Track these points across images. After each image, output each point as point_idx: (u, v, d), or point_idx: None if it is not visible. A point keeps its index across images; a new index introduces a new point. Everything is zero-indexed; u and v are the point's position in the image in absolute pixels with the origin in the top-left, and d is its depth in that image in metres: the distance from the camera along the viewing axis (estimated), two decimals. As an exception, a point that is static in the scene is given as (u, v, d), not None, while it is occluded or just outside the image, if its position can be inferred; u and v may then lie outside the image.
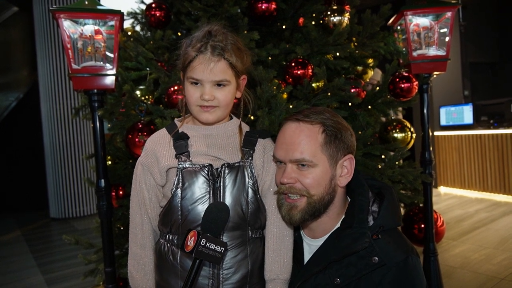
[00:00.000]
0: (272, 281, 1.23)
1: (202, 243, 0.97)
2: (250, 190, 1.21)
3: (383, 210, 1.16)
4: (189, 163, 1.18)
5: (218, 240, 0.99)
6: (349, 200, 1.25)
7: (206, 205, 1.14)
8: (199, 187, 1.17)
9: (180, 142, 1.21)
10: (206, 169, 1.18)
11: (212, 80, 1.15)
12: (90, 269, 2.20)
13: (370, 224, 1.14)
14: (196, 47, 1.14)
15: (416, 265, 1.11)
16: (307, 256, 1.27)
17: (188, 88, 1.18)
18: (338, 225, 1.21)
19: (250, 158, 1.23)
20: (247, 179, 1.21)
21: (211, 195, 1.17)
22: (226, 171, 1.19)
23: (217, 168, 1.19)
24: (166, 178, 1.22)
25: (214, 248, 0.98)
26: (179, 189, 1.17)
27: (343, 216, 1.22)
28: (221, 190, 1.18)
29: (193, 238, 0.98)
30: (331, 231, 1.22)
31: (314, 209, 1.15)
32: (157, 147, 1.23)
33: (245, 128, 1.31)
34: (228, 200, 1.18)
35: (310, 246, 1.27)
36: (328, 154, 1.14)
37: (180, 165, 1.18)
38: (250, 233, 1.23)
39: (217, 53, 1.13)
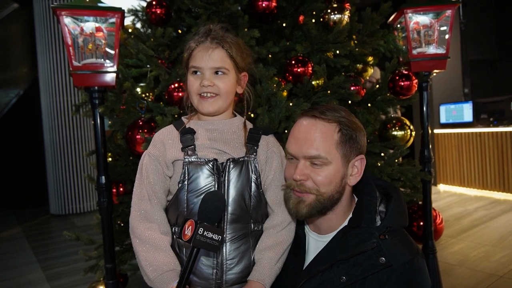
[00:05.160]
0: (260, 261, 1.23)
1: (200, 231, 0.98)
2: (253, 185, 1.25)
3: (390, 210, 1.16)
4: (195, 157, 1.21)
5: (215, 229, 1.01)
6: (356, 199, 1.26)
7: None
8: (204, 180, 1.20)
9: (187, 136, 1.24)
10: (211, 163, 1.21)
11: (211, 67, 1.20)
12: (91, 265, 2.21)
13: (378, 224, 1.15)
14: (197, 39, 1.22)
15: (422, 266, 1.12)
16: (312, 251, 1.28)
17: (190, 78, 1.23)
18: (345, 223, 1.22)
19: (254, 153, 1.26)
20: (251, 174, 1.24)
21: (215, 189, 1.20)
22: (231, 166, 1.22)
23: (222, 163, 1.22)
24: (172, 170, 1.24)
25: (212, 237, 0.99)
26: (185, 182, 1.20)
27: (350, 215, 1.22)
28: (226, 184, 1.21)
29: (190, 227, 1.00)
30: (338, 229, 1.22)
31: (322, 206, 1.16)
32: (165, 139, 1.26)
33: (249, 125, 1.34)
34: (232, 194, 1.21)
35: (317, 242, 1.27)
36: (342, 153, 1.14)
37: (186, 159, 1.21)
38: (252, 226, 1.26)
39: (215, 42, 1.20)
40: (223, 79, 1.21)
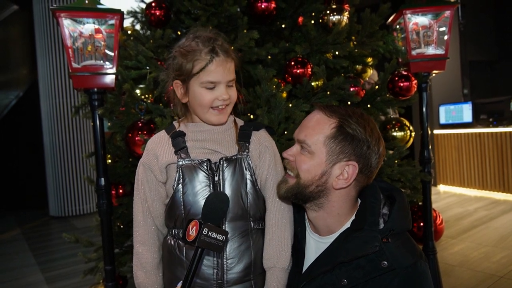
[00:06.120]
0: (270, 269, 1.26)
1: (204, 232, 0.98)
2: (248, 182, 1.25)
3: (394, 213, 1.15)
4: (188, 159, 1.22)
5: (219, 229, 1.01)
6: (359, 201, 1.25)
7: None
8: (199, 181, 1.21)
9: (178, 139, 1.25)
10: (205, 164, 1.22)
11: (227, 80, 1.20)
12: (90, 267, 2.21)
13: (381, 227, 1.14)
14: (205, 51, 1.18)
15: (425, 270, 1.10)
16: (311, 252, 1.27)
17: (201, 92, 1.20)
18: (348, 225, 1.21)
19: (246, 150, 1.27)
20: (245, 171, 1.25)
21: (211, 189, 1.21)
22: (225, 165, 1.23)
23: (215, 162, 1.23)
24: (166, 174, 1.25)
25: (216, 237, 1.00)
26: (180, 185, 1.21)
27: (353, 217, 1.22)
28: (221, 183, 1.22)
29: (195, 227, 1.00)
30: (340, 231, 1.21)
31: (297, 191, 1.17)
32: (157, 146, 1.27)
33: (240, 122, 1.34)
34: (228, 192, 1.22)
35: (318, 243, 1.26)
36: (330, 149, 1.13)
37: (180, 162, 1.22)
38: (252, 224, 1.27)
39: (227, 54, 1.20)
40: (233, 89, 1.24)
